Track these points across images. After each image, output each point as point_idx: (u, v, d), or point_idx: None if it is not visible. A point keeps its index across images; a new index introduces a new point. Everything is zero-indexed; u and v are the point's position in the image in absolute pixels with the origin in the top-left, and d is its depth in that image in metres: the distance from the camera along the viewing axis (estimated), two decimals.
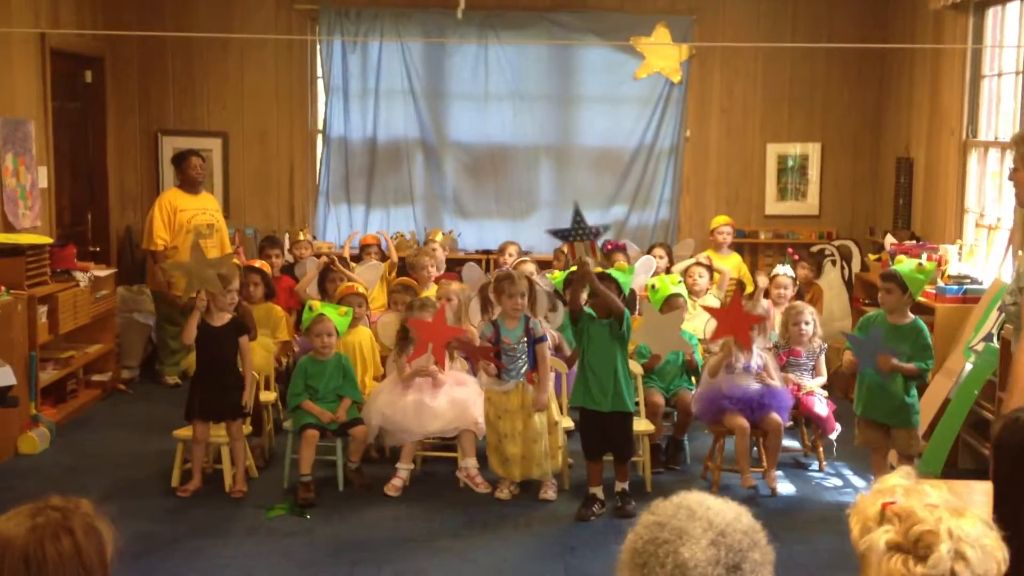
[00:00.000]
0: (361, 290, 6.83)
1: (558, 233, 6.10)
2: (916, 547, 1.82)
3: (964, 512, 1.87)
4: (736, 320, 5.98)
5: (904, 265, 5.77)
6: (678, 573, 1.76)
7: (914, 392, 5.67)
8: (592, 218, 6.83)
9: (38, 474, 6.31)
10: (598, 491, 5.79)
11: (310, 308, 6.20)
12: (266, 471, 6.34)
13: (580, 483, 6.05)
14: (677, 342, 6.18)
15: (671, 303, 6.52)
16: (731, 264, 8.51)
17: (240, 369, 6.01)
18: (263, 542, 5.34)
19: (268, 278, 7.19)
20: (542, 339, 5.89)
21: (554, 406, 6.01)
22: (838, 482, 6.40)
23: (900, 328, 5.55)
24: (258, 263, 7.45)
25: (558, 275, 6.85)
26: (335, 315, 6.17)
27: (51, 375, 7.23)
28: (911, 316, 5.64)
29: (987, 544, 1.83)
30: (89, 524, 2.05)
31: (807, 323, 6.49)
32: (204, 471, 6.07)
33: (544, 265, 7.85)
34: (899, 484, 1.98)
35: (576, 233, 5.86)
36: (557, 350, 6.39)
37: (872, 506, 1.94)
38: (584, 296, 5.80)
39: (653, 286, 6.78)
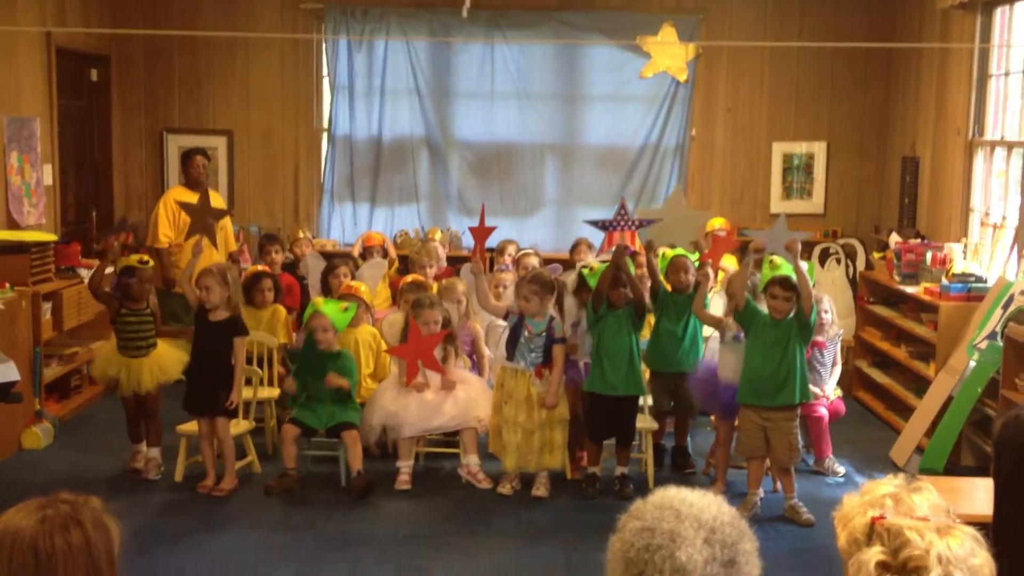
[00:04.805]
0: (363, 290, 6.80)
1: (598, 223, 6.28)
2: (905, 571, 1.80)
3: (952, 529, 1.85)
4: (719, 245, 6.32)
5: (784, 269, 5.89)
6: None
7: (807, 384, 5.77)
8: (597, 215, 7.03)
9: (41, 469, 6.33)
10: (597, 470, 6.08)
11: (314, 305, 6.21)
12: (269, 466, 6.34)
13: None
14: (680, 238, 6.30)
15: (677, 263, 6.45)
16: (731, 263, 8.46)
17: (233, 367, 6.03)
18: (267, 537, 5.35)
19: (278, 281, 7.18)
20: (560, 340, 6.00)
21: (564, 404, 6.05)
22: (839, 479, 6.39)
23: (779, 324, 5.68)
24: (260, 267, 7.41)
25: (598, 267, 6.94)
26: (336, 311, 6.16)
27: (55, 371, 7.25)
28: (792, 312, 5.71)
29: (976, 564, 1.81)
30: (98, 519, 2.05)
31: (826, 311, 6.44)
32: None
33: (548, 262, 7.79)
34: (888, 494, 1.96)
35: (618, 223, 6.11)
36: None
37: (861, 516, 1.93)
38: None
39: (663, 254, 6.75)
